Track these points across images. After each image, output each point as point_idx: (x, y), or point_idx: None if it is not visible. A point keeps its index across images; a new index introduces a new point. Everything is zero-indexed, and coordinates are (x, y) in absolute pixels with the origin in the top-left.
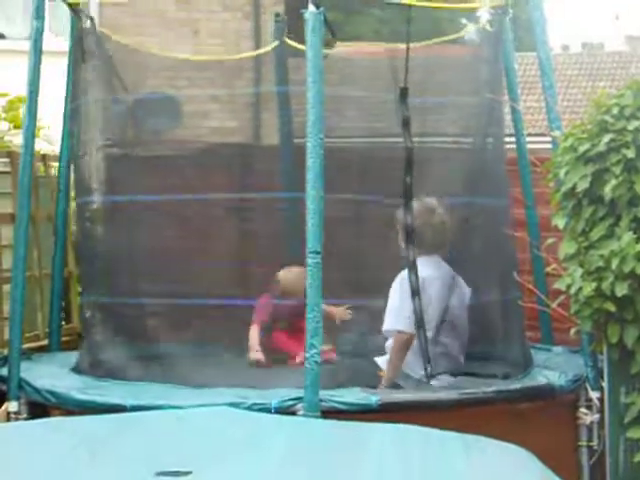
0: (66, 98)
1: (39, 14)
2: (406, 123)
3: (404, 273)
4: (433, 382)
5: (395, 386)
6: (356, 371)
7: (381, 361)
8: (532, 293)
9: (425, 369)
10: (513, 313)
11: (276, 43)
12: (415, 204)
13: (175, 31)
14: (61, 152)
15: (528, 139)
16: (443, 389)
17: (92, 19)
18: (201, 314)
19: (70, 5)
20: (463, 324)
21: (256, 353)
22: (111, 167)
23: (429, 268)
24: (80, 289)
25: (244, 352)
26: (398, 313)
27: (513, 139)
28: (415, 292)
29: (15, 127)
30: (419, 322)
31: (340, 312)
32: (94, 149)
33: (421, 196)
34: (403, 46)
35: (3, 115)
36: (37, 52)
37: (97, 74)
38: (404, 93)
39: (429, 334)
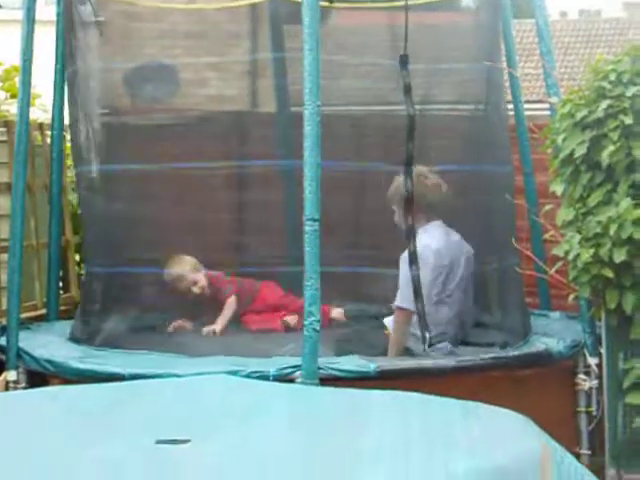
0: (56, 66)
1: None
2: (407, 90)
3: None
4: (432, 351)
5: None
6: (361, 339)
7: (388, 321)
8: (530, 260)
9: (423, 337)
10: (512, 280)
11: None
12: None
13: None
14: (53, 120)
15: (526, 106)
16: (442, 356)
17: None
18: None
19: None
20: (470, 289)
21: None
22: (108, 135)
23: (433, 235)
24: (80, 258)
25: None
26: (403, 290)
27: (511, 106)
28: (413, 261)
29: (12, 96)
30: (416, 291)
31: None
32: (91, 118)
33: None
34: (401, 13)
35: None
36: (30, 21)
37: (90, 41)
38: (404, 60)
39: (435, 300)
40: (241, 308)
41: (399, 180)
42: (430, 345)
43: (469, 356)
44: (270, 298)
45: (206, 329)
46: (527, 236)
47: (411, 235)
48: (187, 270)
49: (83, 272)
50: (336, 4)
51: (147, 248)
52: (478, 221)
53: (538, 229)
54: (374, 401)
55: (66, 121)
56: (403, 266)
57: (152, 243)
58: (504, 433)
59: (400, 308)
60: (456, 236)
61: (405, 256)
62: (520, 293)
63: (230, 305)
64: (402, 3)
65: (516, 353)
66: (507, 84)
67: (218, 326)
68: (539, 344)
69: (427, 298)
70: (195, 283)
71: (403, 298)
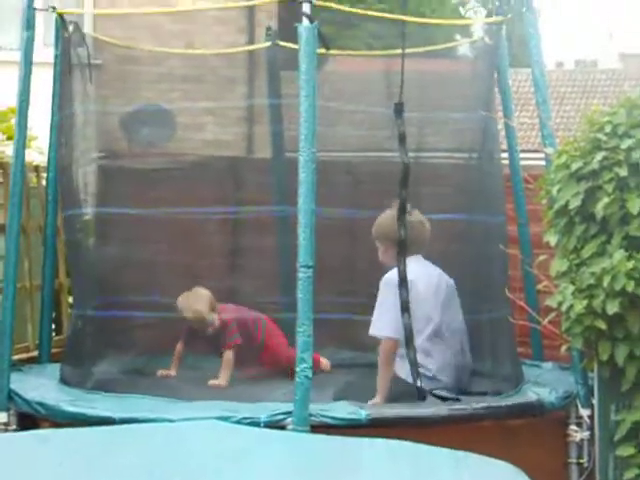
0: (52, 108)
1: (29, 24)
2: (402, 138)
3: (388, 276)
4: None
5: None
6: (352, 386)
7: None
8: (523, 310)
9: (417, 387)
10: (504, 330)
11: (268, 44)
12: (388, 211)
13: (168, 44)
14: (49, 162)
15: (521, 155)
16: (433, 404)
17: (78, 26)
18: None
19: (59, 14)
20: (459, 323)
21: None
22: (103, 179)
23: (415, 268)
24: (71, 301)
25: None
26: (383, 318)
27: (506, 155)
28: (405, 308)
29: (8, 138)
30: (408, 337)
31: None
32: (85, 161)
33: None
34: (398, 60)
35: None
36: (27, 63)
37: (87, 84)
38: (399, 108)
39: (423, 337)
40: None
41: (382, 217)
42: (424, 396)
43: (461, 405)
44: (278, 351)
45: (211, 382)
46: (520, 286)
47: (403, 283)
48: (206, 311)
49: (71, 314)
50: (333, 51)
51: (139, 291)
52: (471, 270)
53: (531, 279)
54: (365, 449)
55: None
56: (384, 290)
57: (144, 287)
58: None
59: (388, 338)
60: (436, 270)
61: (387, 279)
62: (512, 343)
63: (229, 362)
64: (399, 51)
65: (508, 403)
66: (502, 133)
67: (223, 381)
68: (531, 394)
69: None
70: (211, 325)
71: (385, 325)
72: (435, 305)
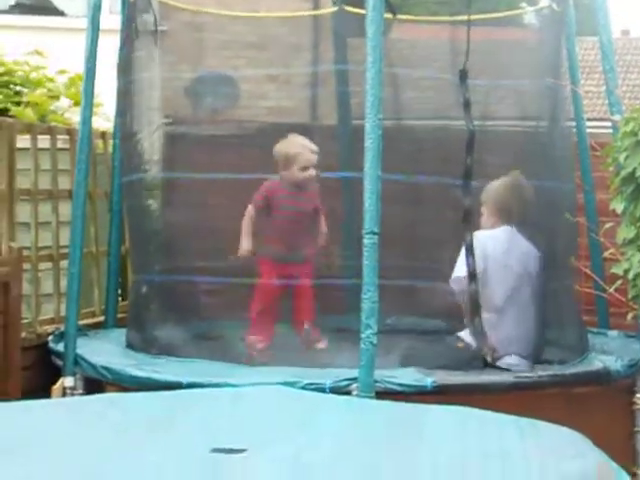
0: (118, 75)
1: None
2: (467, 105)
3: (476, 233)
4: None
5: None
6: (417, 351)
7: (464, 334)
8: (589, 278)
9: (482, 354)
10: (570, 298)
11: (335, 8)
12: (502, 178)
13: (233, 10)
14: (115, 129)
15: (587, 123)
16: (499, 372)
17: None
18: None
19: None
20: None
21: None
22: (168, 144)
23: (497, 237)
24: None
25: (299, 330)
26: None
27: (573, 123)
28: (472, 276)
29: (75, 104)
30: (475, 305)
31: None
32: (150, 127)
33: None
34: (463, 28)
35: (64, 92)
36: (94, 29)
37: (152, 51)
38: (464, 75)
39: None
40: None
41: (494, 184)
42: (489, 361)
43: (527, 372)
44: None
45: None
46: (586, 254)
47: (470, 250)
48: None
49: (133, 280)
50: (399, 17)
51: (202, 257)
52: (541, 238)
53: (598, 247)
54: (430, 416)
55: None
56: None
57: (207, 252)
58: (560, 450)
59: (457, 277)
60: (524, 242)
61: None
62: (578, 311)
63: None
64: (465, 18)
65: (574, 371)
66: (569, 101)
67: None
68: (597, 362)
69: (490, 302)
70: (306, 167)
71: (457, 270)
72: (509, 276)
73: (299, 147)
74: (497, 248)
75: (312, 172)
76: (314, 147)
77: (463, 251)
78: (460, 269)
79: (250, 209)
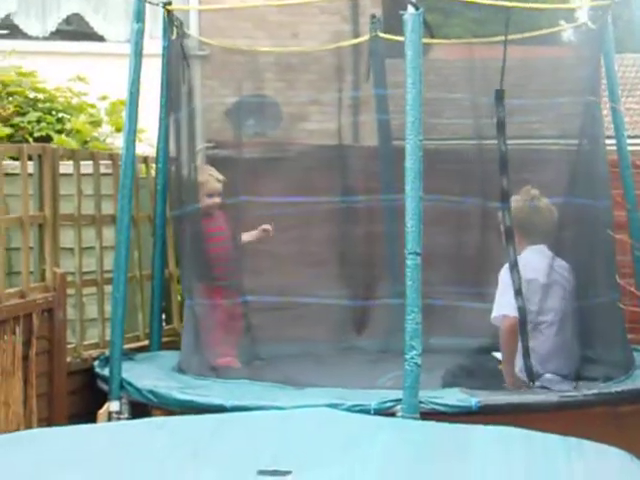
0: (161, 100)
1: (139, 17)
2: (501, 125)
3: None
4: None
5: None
6: (460, 372)
7: (498, 354)
8: (634, 295)
9: (528, 369)
10: (614, 315)
11: (369, 36)
12: (519, 195)
13: (274, 34)
14: (157, 153)
15: (629, 141)
16: (544, 391)
17: (182, 24)
18: (303, 314)
19: (166, 9)
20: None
21: None
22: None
23: (534, 260)
24: (181, 290)
25: (346, 352)
26: (502, 300)
27: (614, 141)
28: (518, 292)
29: (117, 130)
30: (522, 320)
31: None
32: (193, 152)
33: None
34: (501, 47)
35: (105, 118)
36: (138, 54)
37: (194, 75)
38: (500, 95)
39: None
40: None
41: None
42: (534, 378)
43: (572, 391)
44: None
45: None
46: (630, 272)
47: (515, 267)
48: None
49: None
50: (437, 40)
51: (252, 279)
52: (576, 254)
53: None
54: (476, 436)
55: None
56: (504, 275)
57: (255, 274)
58: (609, 471)
59: (505, 316)
60: (559, 262)
61: (502, 271)
62: (623, 328)
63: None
64: (502, 38)
65: (619, 389)
66: (608, 119)
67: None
68: None
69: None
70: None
71: (503, 306)
72: (541, 295)
73: (206, 176)
74: (526, 269)
75: (217, 199)
76: (220, 176)
77: (500, 287)
78: (501, 307)
79: None
